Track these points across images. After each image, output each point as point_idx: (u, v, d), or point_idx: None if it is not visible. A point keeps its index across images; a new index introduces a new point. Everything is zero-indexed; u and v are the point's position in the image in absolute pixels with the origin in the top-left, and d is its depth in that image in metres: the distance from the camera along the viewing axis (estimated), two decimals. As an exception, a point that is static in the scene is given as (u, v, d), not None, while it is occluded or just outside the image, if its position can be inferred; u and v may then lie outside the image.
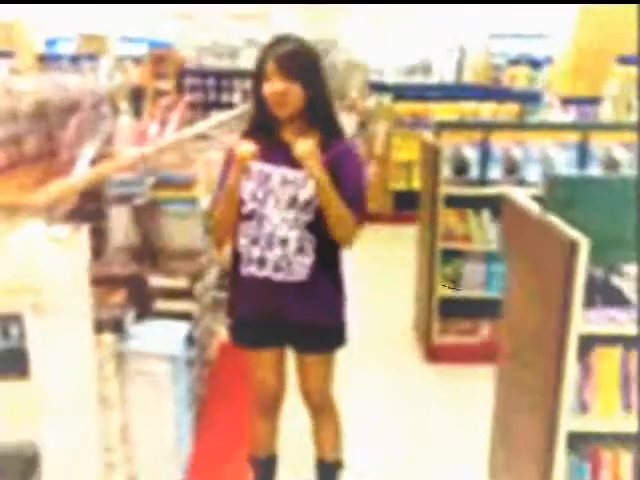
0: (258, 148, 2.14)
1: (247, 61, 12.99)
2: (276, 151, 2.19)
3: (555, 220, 1.93)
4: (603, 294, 1.96)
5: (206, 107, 9.66)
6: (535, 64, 12.18)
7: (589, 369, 1.96)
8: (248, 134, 2.26)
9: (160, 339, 2.75)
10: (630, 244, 2.02)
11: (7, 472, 2.39)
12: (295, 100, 2.13)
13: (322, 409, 2.50)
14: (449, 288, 3.94)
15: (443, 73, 17.26)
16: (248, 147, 2.13)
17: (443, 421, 3.35)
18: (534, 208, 2.11)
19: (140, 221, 3.15)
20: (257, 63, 2.18)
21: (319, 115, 2.21)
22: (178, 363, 2.75)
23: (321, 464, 2.56)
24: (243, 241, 2.23)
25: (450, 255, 3.96)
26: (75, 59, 11.75)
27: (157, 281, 2.95)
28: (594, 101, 7.16)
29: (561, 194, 2.00)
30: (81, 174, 2.65)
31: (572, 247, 1.75)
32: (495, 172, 3.87)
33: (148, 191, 3.19)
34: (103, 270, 2.90)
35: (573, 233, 1.80)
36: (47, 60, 11.63)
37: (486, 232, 3.85)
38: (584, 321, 1.84)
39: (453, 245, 3.89)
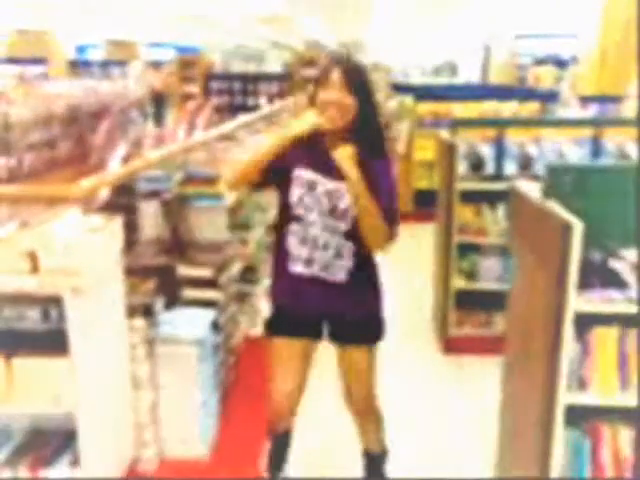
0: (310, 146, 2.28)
1: (273, 64, 13.21)
2: (323, 161, 2.31)
3: (554, 206, 2.06)
4: (601, 276, 2.07)
5: (232, 110, 9.87)
6: (561, 64, 12.18)
7: (588, 348, 2.08)
8: (299, 141, 2.34)
9: (188, 325, 2.93)
10: (627, 229, 2.14)
11: (48, 445, 2.59)
12: (347, 113, 2.25)
13: (367, 408, 2.57)
14: (465, 281, 4.06)
15: (469, 73, 17.30)
16: (312, 117, 2.26)
17: (457, 410, 3.47)
18: (537, 197, 2.24)
19: (168, 215, 3.33)
20: (321, 70, 2.31)
21: (366, 130, 2.31)
22: (205, 347, 2.92)
23: (367, 454, 2.69)
24: (292, 241, 2.37)
25: (467, 249, 4.08)
26: (104, 65, 12.05)
27: (185, 271, 3.13)
28: (616, 99, 7.19)
29: (561, 182, 2.13)
30: (112, 170, 2.83)
31: (566, 230, 1.88)
32: (510, 168, 3.99)
33: (176, 187, 3.37)
34: (134, 261, 3.08)
35: (568, 217, 1.92)
36: (77, 66, 11.96)
37: (501, 226, 3.97)
38: (582, 301, 1.97)
39: (469, 239, 4.01)
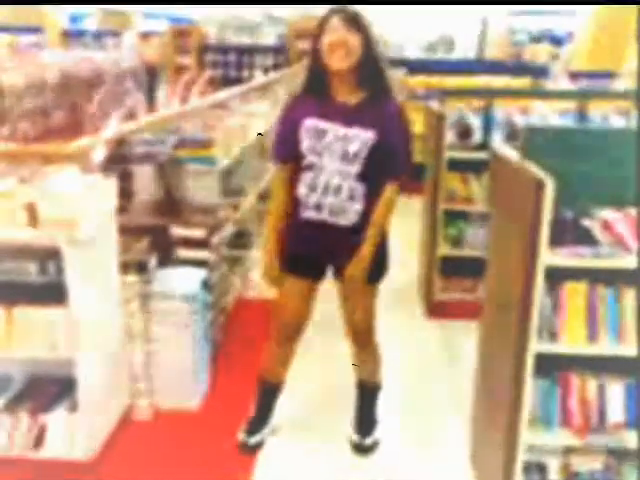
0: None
1: (268, 37, 13.15)
2: (330, 109, 2.45)
3: (529, 165, 2.17)
4: (573, 234, 2.18)
5: (227, 83, 9.87)
6: (556, 41, 12.19)
7: (558, 302, 2.19)
8: (302, 94, 2.53)
9: (180, 282, 3.05)
10: (599, 189, 2.25)
11: (46, 392, 2.71)
12: (354, 52, 2.35)
13: (366, 340, 2.76)
14: (451, 248, 4.18)
15: (465, 49, 17.27)
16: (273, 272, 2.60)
17: (440, 370, 3.61)
18: (515, 158, 2.34)
19: (163, 177, 3.43)
20: (319, 22, 2.41)
21: (371, 73, 2.43)
22: (196, 303, 3.03)
23: (362, 386, 2.90)
24: (302, 189, 2.50)
25: (453, 217, 4.19)
26: (98, 35, 11.99)
27: (177, 231, 3.23)
28: (607, 76, 7.27)
29: (537, 142, 2.23)
30: (108, 132, 2.91)
31: (539, 187, 1.98)
32: (497, 137, 4.08)
33: (170, 150, 3.46)
34: (129, 220, 3.18)
35: (541, 174, 2.03)
36: (71, 36, 11.89)
37: (487, 194, 4.07)
38: (553, 255, 2.08)
39: (455, 207, 4.12)
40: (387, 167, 2.49)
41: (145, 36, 10.50)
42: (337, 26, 2.35)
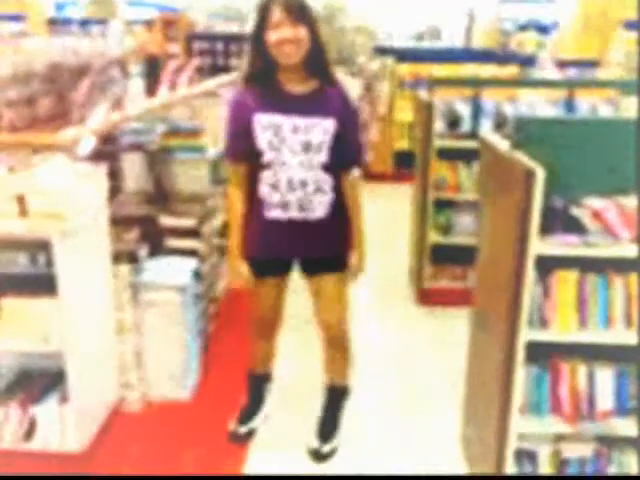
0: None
1: (255, 25, 13.09)
2: (281, 101, 2.34)
3: (519, 155, 2.17)
4: (562, 223, 2.19)
5: (215, 71, 9.79)
6: (543, 29, 12.22)
7: (549, 290, 2.21)
8: (248, 87, 2.40)
9: (170, 272, 3.04)
10: (589, 178, 2.26)
11: (37, 384, 2.70)
12: (303, 46, 2.25)
13: (338, 340, 2.71)
14: (441, 236, 4.19)
15: (452, 38, 17.24)
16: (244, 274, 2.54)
17: (430, 357, 3.63)
18: (505, 147, 2.34)
19: (152, 167, 3.40)
20: (259, 12, 2.26)
21: (318, 63, 2.34)
22: (187, 294, 3.02)
23: (331, 388, 2.86)
24: (265, 188, 2.41)
25: (443, 205, 4.20)
26: (84, 23, 11.86)
27: (167, 221, 3.22)
28: (593, 64, 7.29)
29: (527, 132, 2.24)
30: (96, 122, 2.88)
31: (530, 176, 1.99)
32: (486, 126, 4.09)
33: (159, 139, 3.44)
34: (119, 211, 3.17)
35: (532, 165, 2.04)
36: (56, 24, 11.76)
37: (476, 183, 4.08)
38: (543, 244, 2.09)
39: (445, 195, 4.12)
40: (347, 156, 2.45)
41: (148, 26, 10.38)
42: (282, 20, 2.22)
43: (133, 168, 3.39)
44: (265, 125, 2.34)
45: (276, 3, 2.24)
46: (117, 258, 2.86)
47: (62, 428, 2.59)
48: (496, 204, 2.41)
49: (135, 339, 2.96)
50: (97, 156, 3.07)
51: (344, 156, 2.44)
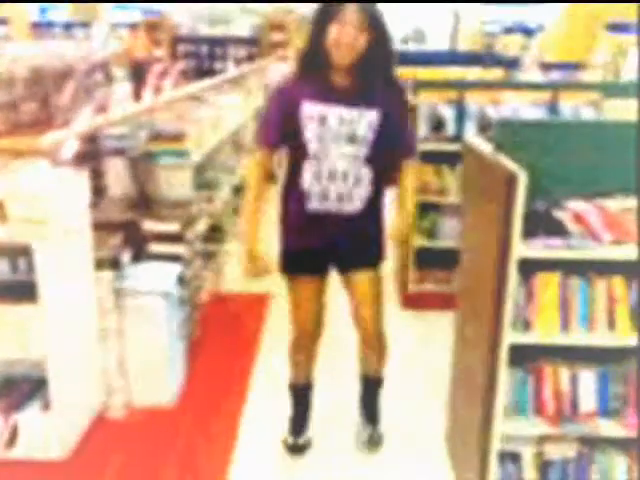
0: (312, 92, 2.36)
1: (241, 29, 13.06)
2: (329, 92, 2.36)
3: (502, 158, 2.18)
4: (545, 226, 2.20)
5: (199, 74, 9.78)
6: (528, 32, 12.30)
7: (531, 292, 2.21)
8: (297, 77, 2.44)
9: (154, 278, 3.02)
10: (571, 181, 2.28)
11: (19, 390, 2.67)
12: (359, 50, 2.28)
13: (375, 339, 2.68)
14: (425, 240, 4.20)
15: (437, 41, 17.31)
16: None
17: (415, 360, 3.63)
18: (488, 151, 2.35)
19: (135, 172, 3.39)
20: (328, 6, 2.28)
21: (374, 65, 2.34)
22: (171, 299, 3.01)
23: (366, 379, 2.85)
24: (307, 179, 2.41)
25: (427, 208, 4.20)
26: (68, 26, 11.79)
27: (150, 226, 3.20)
28: (577, 67, 7.34)
29: (510, 135, 2.25)
30: (77, 126, 2.87)
31: (512, 180, 2.00)
32: (470, 129, 4.10)
33: (142, 144, 3.42)
34: (101, 216, 3.14)
35: (515, 168, 2.04)
36: (40, 27, 11.68)
37: (460, 186, 4.09)
38: (525, 247, 2.10)
39: (429, 199, 4.13)
40: (396, 149, 2.49)
41: (133, 30, 10.32)
42: (350, 21, 2.24)
43: (116, 173, 3.37)
44: (311, 115, 2.36)
45: (348, 3, 2.26)
46: (100, 264, 2.84)
47: (44, 435, 2.57)
48: (479, 207, 2.41)
49: (118, 345, 2.94)
50: (79, 161, 3.05)
51: (398, 148, 2.51)
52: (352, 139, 2.37)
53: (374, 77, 2.38)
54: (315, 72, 2.37)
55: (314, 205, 2.44)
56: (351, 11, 2.25)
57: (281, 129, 2.43)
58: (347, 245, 2.53)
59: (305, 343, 2.69)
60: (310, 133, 2.36)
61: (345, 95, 2.37)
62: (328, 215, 2.45)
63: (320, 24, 2.30)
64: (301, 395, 2.84)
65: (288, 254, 2.57)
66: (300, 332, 2.67)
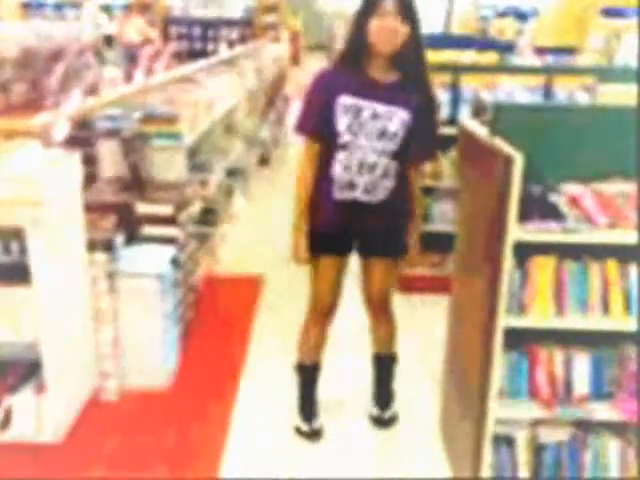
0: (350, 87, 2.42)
1: (233, 10, 12.93)
2: (365, 87, 2.42)
3: (498, 142, 2.17)
4: (540, 209, 2.20)
5: (192, 56, 9.70)
6: (522, 16, 12.24)
7: (527, 276, 2.21)
8: (336, 68, 2.50)
9: (148, 260, 3.01)
10: (567, 165, 2.27)
11: (13, 373, 2.66)
12: (401, 38, 2.34)
13: (383, 311, 2.81)
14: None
15: (431, 24, 17.22)
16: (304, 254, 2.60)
17: (409, 343, 3.63)
18: (483, 134, 2.34)
19: (128, 153, 3.35)
20: (369, 2, 2.35)
21: (411, 58, 2.40)
22: (165, 282, 3.00)
23: (378, 358, 2.92)
24: (337, 168, 2.48)
25: (421, 192, 4.19)
26: (58, 7, 11.65)
27: (144, 208, 3.18)
28: (571, 51, 7.31)
29: (505, 119, 2.24)
30: (70, 108, 2.83)
31: (508, 163, 1.99)
32: (465, 113, 4.08)
33: (135, 125, 3.39)
34: (94, 198, 3.12)
35: (510, 150, 2.04)
36: (30, 8, 11.53)
37: (455, 170, 4.08)
38: (521, 231, 2.10)
39: (424, 182, 4.11)
40: (418, 148, 2.52)
41: (126, 13, 10.17)
42: (390, 11, 2.31)
43: (109, 155, 3.34)
44: (347, 107, 2.42)
45: None
46: (93, 246, 2.82)
47: (38, 418, 2.56)
48: (474, 191, 2.41)
49: (112, 328, 2.93)
50: (71, 142, 3.02)
51: (418, 150, 2.55)
52: (383, 134, 2.43)
53: (412, 73, 2.44)
54: (355, 65, 2.44)
55: (342, 194, 2.51)
56: (394, 3, 2.32)
57: (319, 117, 2.47)
58: (371, 233, 2.61)
59: (319, 320, 2.77)
60: (343, 125, 2.43)
61: (382, 91, 2.42)
62: (355, 203, 2.52)
63: (362, 17, 2.36)
64: (308, 376, 2.86)
65: (314, 237, 2.62)
66: (316, 308, 2.74)
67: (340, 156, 2.47)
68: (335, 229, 2.60)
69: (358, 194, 2.50)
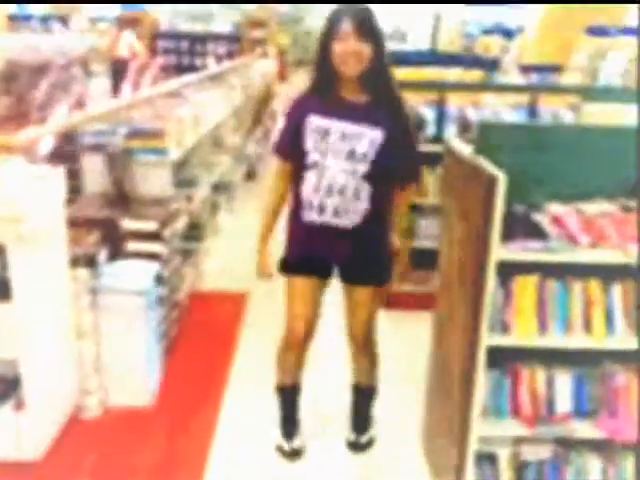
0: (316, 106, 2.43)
1: (221, 25, 12.99)
2: (335, 107, 2.41)
3: (482, 161, 2.19)
4: (523, 228, 2.21)
5: (179, 70, 9.71)
6: (508, 33, 12.36)
7: (510, 294, 2.22)
8: (308, 93, 2.49)
9: (131, 276, 2.98)
10: (550, 184, 2.29)
11: (-9, 390, 2.62)
12: (365, 61, 2.33)
13: (364, 344, 2.72)
14: (404, 240, 4.20)
15: (418, 41, 17.36)
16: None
17: (393, 359, 3.63)
18: (468, 153, 2.36)
19: (113, 169, 3.34)
20: (329, 23, 2.35)
21: (378, 77, 2.39)
22: (148, 298, 2.98)
23: (357, 388, 2.88)
24: (306, 189, 2.45)
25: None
26: (45, 19, 11.63)
27: (128, 224, 3.16)
28: (555, 69, 7.39)
29: (490, 137, 2.26)
30: (55, 122, 2.83)
31: (491, 181, 2.00)
32: (451, 130, 4.11)
33: (121, 141, 3.38)
34: (78, 213, 3.10)
35: (493, 170, 2.05)
36: (17, 20, 11.50)
37: (440, 187, 4.10)
38: (504, 250, 2.11)
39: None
40: (397, 170, 2.48)
41: (117, 28, 10.15)
42: (350, 34, 2.29)
43: (94, 170, 3.33)
44: (315, 128, 2.41)
45: (346, 17, 2.31)
46: (76, 262, 2.81)
47: (17, 436, 2.53)
48: (458, 209, 2.42)
49: (94, 344, 2.90)
50: (56, 156, 3.01)
51: (398, 172, 2.50)
52: (352, 155, 2.39)
53: (381, 93, 2.42)
54: (325, 88, 2.44)
55: (312, 216, 2.47)
56: (349, 24, 2.30)
57: (291, 140, 2.48)
58: (348, 259, 2.54)
59: (295, 343, 2.69)
60: (311, 145, 2.42)
61: (352, 111, 2.41)
62: (327, 227, 2.47)
63: (325, 41, 2.36)
64: (288, 397, 2.83)
65: (288, 259, 2.61)
66: (292, 331, 2.67)
67: (308, 176, 2.44)
68: (306, 251, 2.57)
69: (328, 217, 2.44)
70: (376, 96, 2.42)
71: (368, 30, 2.32)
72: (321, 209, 2.44)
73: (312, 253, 2.56)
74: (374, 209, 2.46)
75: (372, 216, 2.46)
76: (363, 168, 2.40)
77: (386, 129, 2.39)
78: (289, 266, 2.61)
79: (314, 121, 2.41)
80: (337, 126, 2.39)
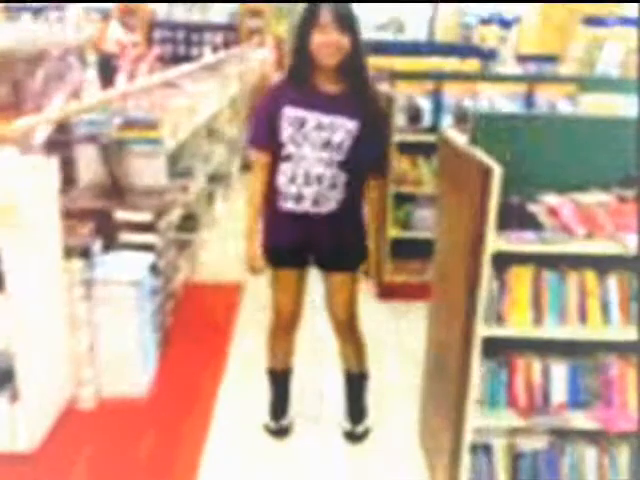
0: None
1: (218, 15, 12.92)
2: (311, 98, 2.41)
3: (477, 151, 2.17)
4: (519, 219, 2.20)
5: (176, 60, 9.66)
6: (505, 24, 12.31)
7: (505, 285, 2.22)
8: (284, 82, 2.50)
9: (125, 267, 2.97)
10: (546, 175, 2.28)
11: (-16, 382, 2.61)
12: (343, 51, 2.34)
13: (347, 330, 2.74)
14: (400, 230, 4.20)
15: (416, 31, 17.29)
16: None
17: (389, 350, 3.64)
18: (463, 143, 2.34)
19: (107, 160, 3.32)
20: (308, 13, 2.35)
21: (354, 68, 2.41)
22: (143, 290, 2.97)
23: (349, 375, 2.88)
24: (282, 180, 2.46)
25: (403, 199, 4.20)
26: (41, 9, 11.56)
27: (122, 215, 3.15)
28: (552, 59, 7.37)
29: (486, 128, 2.24)
30: (49, 112, 2.81)
31: (487, 173, 1.99)
32: (447, 121, 4.10)
33: (115, 131, 3.36)
34: (72, 204, 3.09)
35: (489, 161, 2.04)
36: (12, 9, 11.43)
37: (435, 177, 4.09)
38: (499, 241, 2.10)
39: (405, 189, 4.13)
40: (368, 160, 2.51)
41: (104, 22, 10.08)
42: (328, 24, 2.31)
43: (88, 160, 3.31)
44: (291, 119, 2.41)
45: (326, 8, 2.32)
46: (69, 253, 2.79)
47: (12, 427, 2.52)
48: (454, 199, 2.41)
49: (88, 335, 2.89)
50: (49, 146, 2.99)
51: (368, 162, 2.52)
52: (328, 144, 2.41)
53: (356, 84, 2.43)
54: (302, 78, 2.43)
55: (289, 205, 2.48)
56: (328, 15, 2.31)
57: (266, 130, 2.47)
58: (325, 245, 2.56)
59: (283, 331, 2.74)
60: (287, 136, 2.42)
61: (328, 102, 2.41)
62: (304, 215, 2.48)
63: (303, 31, 2.36)
64: (279, 380, 2.86)
65: (268, 249, 2.61)
66: (278, 320, 2.72)
67: (284, 167, 2.45)
68: (287, 242, 2.57)
69: (307, 206, 2.46)
70: (351, 87, 2.43)
71: (347, 21, 2.34)
72: (299, 198, 2.46)
73: (292, 242, 2.56)
74: (350, 197, 2.50)
75: (347, 203, 2.50)
76: (339, 157, 2.42)
77: (361, 119, 2.41)
78: (271, 257, 2.61)
79: (290, 112, 2.41)
80: (313, 116, 2.40)
